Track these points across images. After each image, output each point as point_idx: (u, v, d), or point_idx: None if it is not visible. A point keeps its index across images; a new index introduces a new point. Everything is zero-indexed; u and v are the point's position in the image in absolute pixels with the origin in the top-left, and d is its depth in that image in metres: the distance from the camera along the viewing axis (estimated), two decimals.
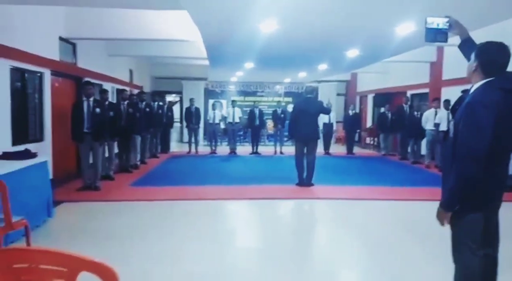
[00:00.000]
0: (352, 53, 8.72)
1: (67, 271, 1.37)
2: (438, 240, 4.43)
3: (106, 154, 7.53)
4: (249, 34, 6.80)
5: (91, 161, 6.77)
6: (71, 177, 7.46)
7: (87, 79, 7.94)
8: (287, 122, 10.38)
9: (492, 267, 2.26)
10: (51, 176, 5.73)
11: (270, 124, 13.92)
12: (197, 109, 12.50)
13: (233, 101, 13.23)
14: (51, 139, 7.02)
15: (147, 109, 9.83)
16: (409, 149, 10.88)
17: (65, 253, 1.38)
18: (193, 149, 12.31)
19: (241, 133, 14.72)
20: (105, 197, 6.34)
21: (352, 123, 12.99)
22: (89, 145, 6.63)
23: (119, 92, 8.89)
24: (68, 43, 7.97)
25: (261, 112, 12.80)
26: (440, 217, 2.25)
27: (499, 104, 2.08)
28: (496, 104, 2.07)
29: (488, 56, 2.19)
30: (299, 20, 5.98)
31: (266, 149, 13.19)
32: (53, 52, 7.14)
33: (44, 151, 6.48)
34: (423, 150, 10.22)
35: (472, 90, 2.24)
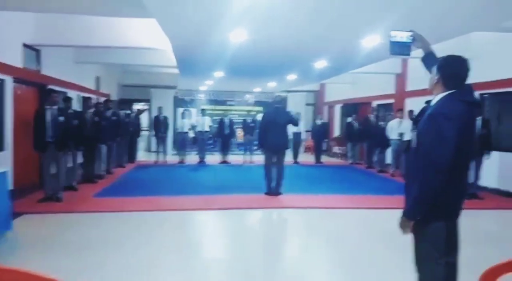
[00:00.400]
0: (321, 64, 8.87)
1: None
2: (406, 248, 4.54)
3: (70, 164, 7.31)
4: (219, 44, 6.81)
5: (54, 171, 6.55)
6: (33, 187, 7.18)
7: (51, 86, 7.71)
8: (257, 131, 10.41)
9: (453, 274, 2.32)
10: (11, 187, 5.50)
11: (240, 133, 13.92)
12: (166, 118, 12.35)
13: (202, 110, 13.16)
14: (13, 148, 6.75)
15: (114, 118, 9.62)
16: (375, 158, 11.13)
17: (14, 270, 1.32)
18: (161, 159, 12.13)
19: (211, 142, 14.65)
20: (67, 208, 6.12)
21: (320, 132, 13.19)
22: (52, 155, 6.42)
23: (85, 100, 8.68)
24: (32, 50, 7.73)
25: (231, 121, 12.80)
26: (403, 226, 2.29)
27: (461, 116, 2.16)
28: (457, 116, 2.14)
29: (449, 69, 2.26)
30: (269, 31, 6.05)
31: (235, 158, 13.18)
32: (15, 59, 6.91)
33: (3, 161, 6.22)
34: (389, 159, 10.48)
35: (434, 102, 2.31)
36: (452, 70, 2.26)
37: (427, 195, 2.16)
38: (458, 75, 2.25)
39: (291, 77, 11.90)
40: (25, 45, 7.27)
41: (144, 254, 4.24)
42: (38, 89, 8.02)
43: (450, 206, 2.28)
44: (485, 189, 7.74)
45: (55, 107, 6.44)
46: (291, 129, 11.37)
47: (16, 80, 6.98)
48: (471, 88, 2.30)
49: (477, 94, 8.35)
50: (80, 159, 7.97)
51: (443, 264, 2.25)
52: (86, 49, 9.31)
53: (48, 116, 6.34)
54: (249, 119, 12.73)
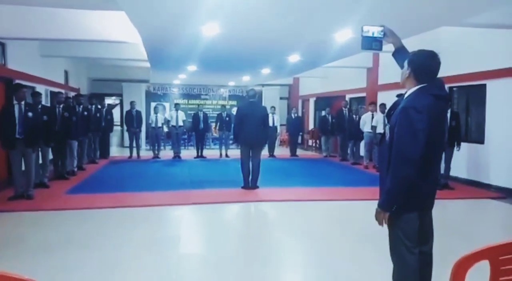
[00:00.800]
0: (294, 58, 8.91)
1: None
2: (380, 239, 4.65)
3: (40, 161, 7.11)
4: (191, 37, 6.73)
5: (23, 168, 6.35)
6: (2, 185, 6.96)
7: (18, 81, 7.45)
8: (232, 125, 10.39)
9: (427, 263, 2.39)
10: None
11: (214, 127, 13.85)
12: (138, 112, 12.15)
13: (176, 104, 13.01)
14: None
15: (85, 113, 9.40)
16: (348, 151, 11.30)
17: None
18: (134, 154, 11.94)
19: (185, 136, 14.53)
20: (39, 206, 5.96)
21: (295, 126, 13.28)
22: (21, 152, 6.22)
23: (54, 95, 8.44)
24: None
25: (205, 115, 12.71)
26: (378, 218, 2.34)
27: (431, 109, 2.21)
28: (428, 109, 2.20)
29: (420, 63, 2.31)
30: (241, 25, 6.02)
31: (211, 152, 13.12)
32: None
33: None
34: (362, 152, 10.67)
35: (406, 96, 2.36)
36: (422, 64, 2.31)
37: (399, 186, 2.22)
38: (429, 69, 2.31)
39: (265, 71, 11.90)
40: None
41: (119, 251, 4.18)
42: (4, 83, 7.74)
43: (422, 196, 2.34)
44: (455, 179, 8.00)
45: (23, 102, 6.24)
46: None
47: None
48: (442, 82, 2.36)
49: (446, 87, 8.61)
50: (50, 155, 7.76)
51: (417, 253, 2.31)
52: (53, 42, 9.04)
53: (17, 112, 6.15)
54: (224, 114, 12.67)
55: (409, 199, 2.26)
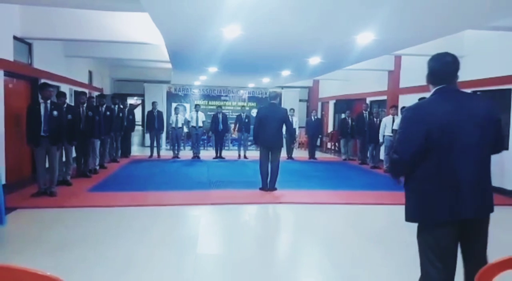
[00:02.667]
0: (314, 60, 8.88)
1: None
2: (398, 244, 4.60)
3: (63, 159, 7.28)
4: (213, 39, 6.78)
5: (47, 165, 6.52)
6: (26, 182, 7.15)
7: (44, 80, 7.65)
8: (251, 126, 10.41)
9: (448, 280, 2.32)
10: (3, 182, 5.46)
11: (234, 128, 13.91)
12: (160, 113, 12.32)
13: (196, 105, 13.13)
14: (4, 142, 6.71)
15: (108, 113, 9.58)
16: (368, 154, 11.19)
17: (11, 267, 1.32)
18: (155, 154, 12.11)
19: (205, 137, 14.64)
20: (61, 203, 6.10)
21: (314, 128, 13.22)
22: (45, 149, 6.38)
23: (78, 94, 8.63)
24: (24, 43, 7.66)
25: (224, 116, 12.78)
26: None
27: (433, 111, 2.28)
28: (428, 110, 2.30)
29: (428, 67, 2.39)
30: (263, 28, 6.03)
31: (230, 153, 13.18)
32: (6, 52, 6.84)
33: None
34: (382, 155, 10.54)
35: None
36: (430, 67, 2.36)
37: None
38: (440, 71, 2.33)
39: (285, 73, 11.89)
40: (16, 38, 7.20)
41: (137, 249, 4.24)
42: (30, 82, 7.96)
43: (436, 205, 2.27)
44: None
45: (49, 101, 6.40)
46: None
47: (7, 74, 6.92)
48: (455, 84, 2.37)
49: (468, 91, 8.42)
50: (73, 153, 7.94)
51: (440, 268, 2.25)
52: (78, 43, 9.25)
53: (42, 110, 6.31)
54: (243, 115, 12.71)
55: (427, 208, 2.26)
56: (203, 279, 3.59)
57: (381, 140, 9.99)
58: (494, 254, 1.80)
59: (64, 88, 9.24)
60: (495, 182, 8.07)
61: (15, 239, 4.52)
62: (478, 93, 8.45)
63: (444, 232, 2.24)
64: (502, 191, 7.60)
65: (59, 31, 7.43)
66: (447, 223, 2.24)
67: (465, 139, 2.21)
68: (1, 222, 4.69)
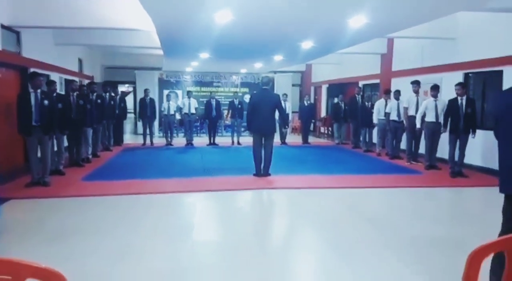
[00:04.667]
0: (307, 44, 8.83)
1: (11, 279, 1.29)
2: (392, 226, 4.65)
3: (55, 148, 7.22)
4: (204, 24, 6.71)
5: (39, 155, 6.46)
6: (19, 172, 7.10)
7: (33, 69, 7.53)
8: (244, 112, 10.39)
9: None
10: None
11: (227, 115, 13.88)
12: (152, 100, 12.22)
13: (188, 91, 13.03)
14: None
15: (99, 101, 9.49)
16: (361, 138, 11.23)
17: (7, 260, 1.31)
18: (148, 141, 12.06)
19: (198, 124, 14.59)
20: (55, 193, 6.08)
21: (307, 113, 13.22)
22: (37, 139, 6.32)
23: (68, 82, 8.52)
24: (12, 32, 7.51)
25: (217, 102, 12.71)
26: None
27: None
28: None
29: None
30: (254, 12, 5.97)
31: (223, 140, 13.17)
32: None
33: None
34: (375, 139, 10.59)
35: None
36: None
37: None
38: None
39: (278, 58, 11.83)
40: (3, 27, 7.06)
41: (133, 237, 4.25)
42: (19, 72, 7.84)
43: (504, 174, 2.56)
44: (470, 167, 7.91)
45: (39, 90, 6.32)
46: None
47: None
48: None
49: (462, 74, 8.44)
50: (65, 143, 7.88)
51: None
52: (67, 30, 9.10)
53: (33, 100, 6.22)
54: (236, 101, 12.67)
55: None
56: (200, 265, 3.61)
57: (375, 121, 9.98)
58: (485, 234, 1.82)
59: (54, 76, 9.12)
60: (488, 163, 8.16)
61: (9, 230, 4.50)
62: (470, 75, 8.48)
63: None
64: (493, 172, 7.68)
65: (48, 19, 7.29)
66: None
67: None
68: None
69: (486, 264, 1.58)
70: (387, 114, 9.51)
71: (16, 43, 7.72)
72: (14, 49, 7.66)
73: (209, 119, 12.53)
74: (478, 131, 7.49)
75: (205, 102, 12.93)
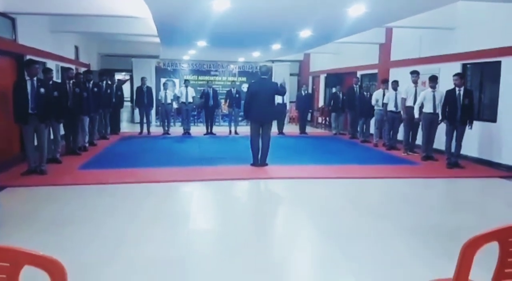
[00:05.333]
0: (305, 33, 8.77)
1: (8, 266, 1.29)
2: (390, 216, 4.68)
3: (51, 136, 7.19)
4: (201, 12, 6.65)
5: (35, 143, 6.44)
6: (15, 160, 7.08)
7: (29, 57, 7.46)
8: (242, 102, 10.35)
9: None
10: None
11: (224, 104, 13.83)
12: (149, 89, 12.17)
13: (186, 80, 12.97)
14: None
15: (95, 89, 9.43)
16: (358, 128, 11.23)
17: (5, 247, 1.31)
18: (145, 130, 12.03)
19: (195, 113, 14.55)
20: (52, 181, 6.07)
21: (305, 103, 13.19)
22: (33, 127, 6.29)
23: (64, 70, 8.45)
24: (7, 18, 7.42)
25: (215, 91, 12.65)
26: None
27: None
28: None
29: None
30: (252, 0, 5.92)
31: (220, 129, 13.15)
32: None
33: None
34: (372, 129, 10.60)
35: None
36: None
37: None
38: None
39: (276, 46, 11.76)
40: None
41: (130, 226, 4.26)
42: (15, 59, 7.77)
43: None
44: (466, 158, 7.94)
45: (35, 78, 6.26)
46: (276, 100, 11.38)
47: None
48: None
49: (459, 64, 8.42)
50: (61, 131, 7.85)
51: None
52: (64, 17, 9.01)
53: (29, 87, 6.17)
54: (233, 90, 12.61)
55: None
56: (196, 254, 3.63)
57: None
58: (480, 224, 1.83)
59: (50, 64, 9.04)
60: (484, 155, 8.19)
61: (6, 218, 4.49)
62: (468, 66, 8.46)
63: None
64: (489, 163, 7.72)
65: (44, 5, 7.20)
66: None
67: None
68: None
69: (479, 255, 1.59)
70: (384, 105, 9.50)
71: (11, 30, 7.64)
72: (10, 36, 7.58)
73: (206, 108, 12.48)
74: (475, 123, 7.50)
75: (202, 91, 12.88)
